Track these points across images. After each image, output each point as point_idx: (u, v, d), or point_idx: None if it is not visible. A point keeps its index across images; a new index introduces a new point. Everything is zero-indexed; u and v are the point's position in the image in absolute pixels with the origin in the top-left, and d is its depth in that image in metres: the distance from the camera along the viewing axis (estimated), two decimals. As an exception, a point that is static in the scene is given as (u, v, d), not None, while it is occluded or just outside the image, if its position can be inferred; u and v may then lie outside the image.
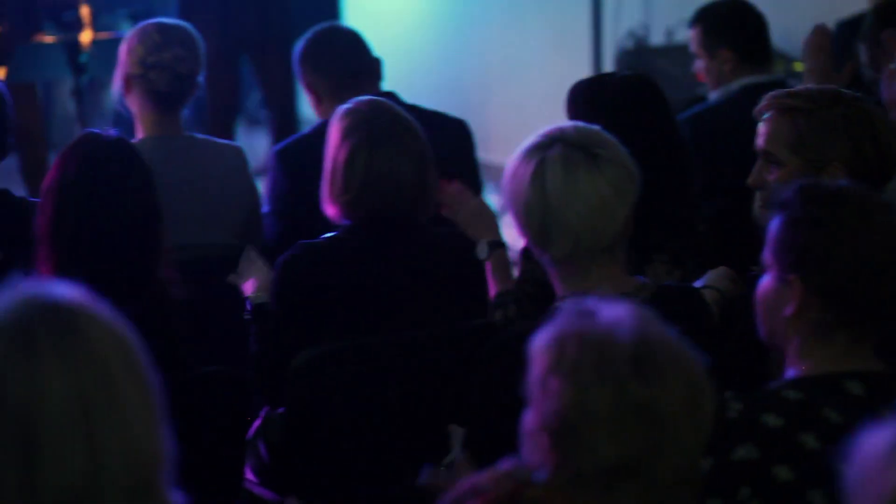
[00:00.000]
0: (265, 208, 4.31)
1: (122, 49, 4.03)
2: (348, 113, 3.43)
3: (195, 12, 6.90)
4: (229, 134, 7.26)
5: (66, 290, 1.82)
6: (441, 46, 8.89)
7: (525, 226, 2.81)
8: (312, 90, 4.50)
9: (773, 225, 2.40)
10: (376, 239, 3.41)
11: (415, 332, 3.40)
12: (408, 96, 4.43)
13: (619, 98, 3.53)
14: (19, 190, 6.86)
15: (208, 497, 3.24)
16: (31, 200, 3.67)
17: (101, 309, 1.83)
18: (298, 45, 4.62)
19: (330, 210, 3.42)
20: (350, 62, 4.51)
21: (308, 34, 4.65)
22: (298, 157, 4.23)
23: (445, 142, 4.23)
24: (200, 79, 4.10)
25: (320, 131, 3.89)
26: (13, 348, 1.75)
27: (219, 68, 7.15)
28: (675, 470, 1.95)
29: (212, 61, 7.03)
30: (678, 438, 1.94)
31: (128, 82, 4.02)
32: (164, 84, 3.98)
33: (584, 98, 3.54)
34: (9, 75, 6.42)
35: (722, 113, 4.76)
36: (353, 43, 4.59)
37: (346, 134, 3.39)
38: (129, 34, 4.05)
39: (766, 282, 2.44)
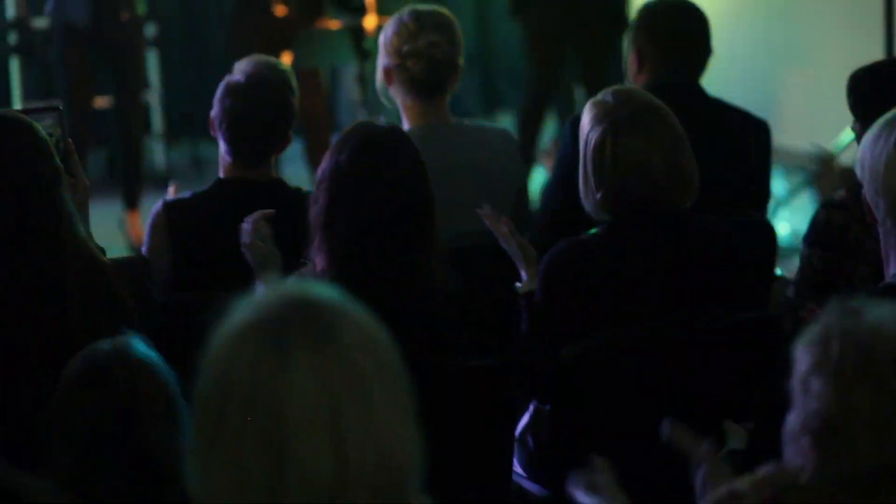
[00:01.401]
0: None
1: (381, 40, 4.03)
2: (595, 104, 3.36)
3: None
4: (537, 120, 7.28)
5: (323, 289, 1.82)
6: (732, 32, 8.70)
7: (884, 198, 2.81)
8: (639, 55, 4.30)
9: None
10: (640, 231, 3.32)
11: (687, 323, 3.31)
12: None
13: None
14: (303, 174, 7.01)
15: (477, 490, 3.23)
16: (305, 190, 3.72)
17: (357, 309, 1.82)
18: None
19: (588, 205, 3.36)
20: (682, 27, 4.28)
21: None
22: None
23: (743, 143, 4.12)
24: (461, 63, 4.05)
25: None
26: (266, 345, 1.75)
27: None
28: None
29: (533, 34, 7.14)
30: None
31: (388, 73, 4.02)
32: (421, 72, 3.95)
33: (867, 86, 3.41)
34: (294, 61, 6.55)
35: None
36: (689, 14, 4.33)
37: (593, 126, 3.32)
38: (386, 24, 4.04)
39: None
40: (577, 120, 4.13)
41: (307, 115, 6.97)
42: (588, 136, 3.34)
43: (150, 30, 8.43)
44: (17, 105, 7.93)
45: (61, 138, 3.27)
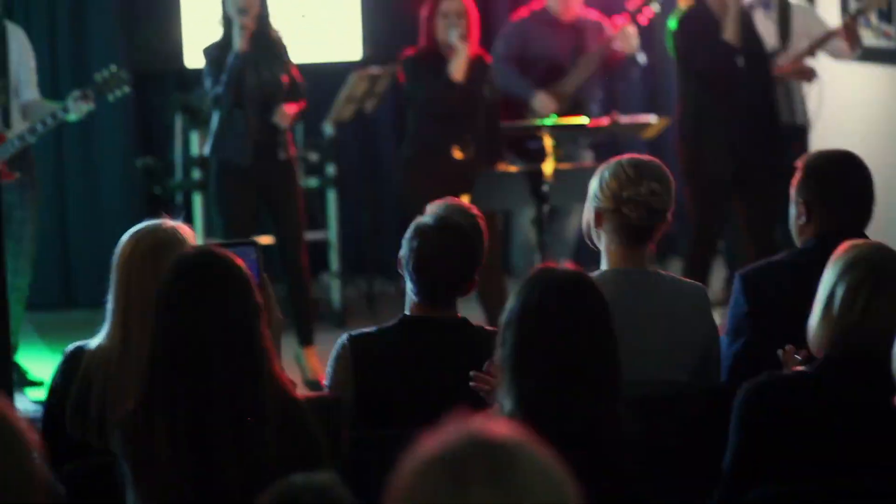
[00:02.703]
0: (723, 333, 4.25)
1: (593, 183, 4.06)
2: (850, 250, 3.37)
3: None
4: (704, 267, 7.29)
5: (506, 428, 1.84)
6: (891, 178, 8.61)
7: None
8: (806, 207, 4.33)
9: None
10: (850, 378, 3.30)
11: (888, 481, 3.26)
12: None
13: None
14: (475, 314, 7.04)
15: None
16: (489, 329, 3.75)
17: (540, 451, 1.83)
18: None
19: (813, 341, 3.37)
20: (848, 180, 4.33)
21: None
22: (762, 283, 4.16)
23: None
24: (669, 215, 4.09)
25: (789, 262, 3.99)
26: (445, 479, 1.77)
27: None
28: None
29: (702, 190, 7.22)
30: None
31: (599, 216, 4.05)
32: (637, 218, 3.98)
33: None
34: (472, 202, 6.63)
35: None
36: (854, 167, 4.39)
37: (845, 270, 3.33)
38: (600, 168, 4.07)
39: None
40: (746, 277, 4.14)
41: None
42: (838, 278, 3.34)
43: (330, 170, 8.63)
44: (201, 240, 8.16)
45: (258, 274, 3.36)
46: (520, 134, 7.40)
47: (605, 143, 8.40)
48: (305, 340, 7.30)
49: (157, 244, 3.62)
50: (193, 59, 8.55)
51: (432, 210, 3.85)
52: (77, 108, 7.06)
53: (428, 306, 3.84)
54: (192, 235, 3.71)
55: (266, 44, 7.08)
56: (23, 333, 7.81)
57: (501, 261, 7.61)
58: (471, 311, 6.99)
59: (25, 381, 7.33)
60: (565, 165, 6.88)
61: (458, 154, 7.18)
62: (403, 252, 3.84)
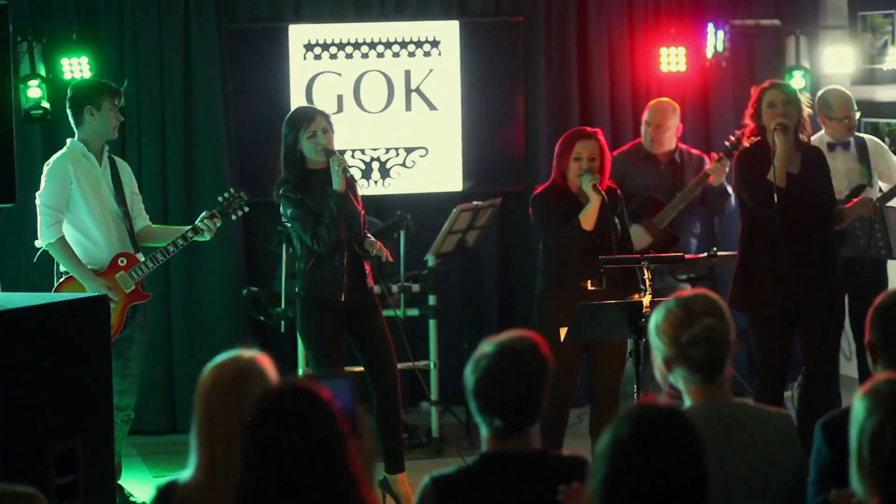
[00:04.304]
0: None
1: (651, 334, 4.09)
2: (870, 393, 3.36)
3: None
4: (779, 395, 7.27)
5: None
6: None
7: None
8: (871, 348, 4.36)
9: None
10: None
11: None
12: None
13: None
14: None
15: None
16: (567, 456, 3.77)
17: None
18: None
19: (859, 490, 3.34)
20: None
21: None
22: (843, 432, 4.15)
23: None
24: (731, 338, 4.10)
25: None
26: None
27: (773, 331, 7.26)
28: None
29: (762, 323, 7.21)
30: None
31: (668, 363, 4.07)
32: (702, 356, 4.00)
33: None
34: (568, 335, 6.68)
35: None
36: None
37: (868, 414, 3.31)
38: (653, 316, 4.10)
39: None
40: (826, 426, 4.14)
41: (599, 384, 7.15)
42: (863, 424, 3.33)
43: (431, 300, 8.73)
44: (300, 370, 8.28)
45: (352, 405, 3.43)
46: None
47: (704, 277, 8.45)
48: (396, 467, 7.27)
49: (236, 376, 3.66)
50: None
51: (492, 339, 3.87)
52: (209, 227, 7.46)
53: (501, 438, 3.85)
54: (271, 365, 3.73)
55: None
56: (126, 456, 7.93)
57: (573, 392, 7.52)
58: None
59: (128, 505, 7.45)
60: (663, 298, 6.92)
61: (591, 286, 7.20)
62: (466, 382, 3.85)
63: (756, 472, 3.98)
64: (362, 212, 7.22)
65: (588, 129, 7.44)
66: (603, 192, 7.12)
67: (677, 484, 3.15)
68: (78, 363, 4.91)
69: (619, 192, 7.41)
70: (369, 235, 7.18)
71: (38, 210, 7.38)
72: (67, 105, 7.52)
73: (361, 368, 7.30)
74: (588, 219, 7.17)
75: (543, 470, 3.82)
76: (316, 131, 7.11)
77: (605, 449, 3.22)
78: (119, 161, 7.69)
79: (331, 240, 7.03)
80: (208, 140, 9.43)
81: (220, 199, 7.70)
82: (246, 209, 7.76)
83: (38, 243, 7.42)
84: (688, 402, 4.06)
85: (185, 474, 3.70)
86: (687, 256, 7.28)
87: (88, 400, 4.94)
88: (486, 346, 3.84)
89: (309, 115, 7.20)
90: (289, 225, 7.26)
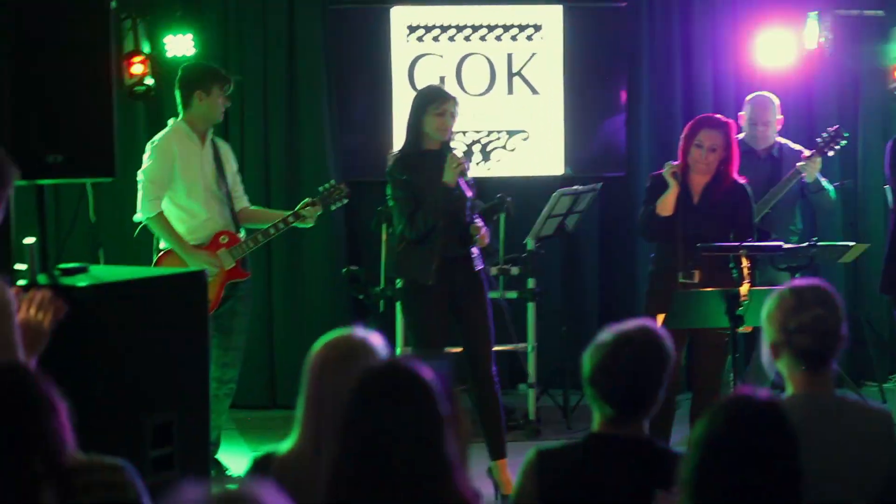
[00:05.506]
0: None
1: (762, 318, 4.09)
2: None
3: None
4: None
5: None
6: None
7: None
8: None
9: None
10: None
11: None
12: None
13: None
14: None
15: None
16: (674, 451, 3.77)
17: None
18: None
19: None
20: None
21: None
22: None
23: None
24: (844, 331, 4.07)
25: None
26: None
27: None
28: None
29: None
30: None
31: (775, 349, 4.05)
32: (809, 344, 3.98)
33: None
34: (666, 321, 6.64)
35: None
36: None
37: None
38: (766, 302, 4.09)
39: None
40: None
41: (700, 373, 7.15)
42: None
43: (530, 283, 8.73)
44: (399, 349, 8.32)
45: (449, 386, 3.42)
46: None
47: (804, 266, 8.36)
48: (497, 453, 7.26)
49: (348, 354, 3.68)
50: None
51: (615, 328, 3.86)
52: (310, 213, 7.59)
53: (613, 423, 3.87)
54: (382, 344, 3.75)
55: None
56: (225, 431, 8.01)
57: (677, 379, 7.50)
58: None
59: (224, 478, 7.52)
60: (761, 287, 6.85)
61: (698, 276, 7.12)
62: (583, 368, 3.86)
63: (849, 467, 3.95)
64: (471, 194, 7.20)
65: (719, 118, 7.31)
66: (677, 180, 7.11)
67: (770, 478, 3.13)
68: (176, 337, 4.95)
69: (747, 187, 7.32)
70: (476, 222, 7.16)
71: (139, 185, 7.48)
72: (177, 85, 7.61)
73: (461, 349, 7.32)
74: (665, 205, 7.13)
75: (647, 460, 3.82)
76: (445, 110, 7.12)
77: (698, 439, 3.21)
78: (221, 143, 7.78)
79: (426, 228, 7.04)
80: (311, 119, 9.50)
81: (320, 189, 7.77)
82: (345, 201, 7.84)
83: (137, 217, 7.52)
84: (789, 389, 4.04)
85: (284, 446, 3.72)
86: (785, 246, 7.18)
87: (185, 373, 4.99)
88: (605, 334, 3.84)
89: (443, 95, 7.19)
90: (391, 205, 7.28)
